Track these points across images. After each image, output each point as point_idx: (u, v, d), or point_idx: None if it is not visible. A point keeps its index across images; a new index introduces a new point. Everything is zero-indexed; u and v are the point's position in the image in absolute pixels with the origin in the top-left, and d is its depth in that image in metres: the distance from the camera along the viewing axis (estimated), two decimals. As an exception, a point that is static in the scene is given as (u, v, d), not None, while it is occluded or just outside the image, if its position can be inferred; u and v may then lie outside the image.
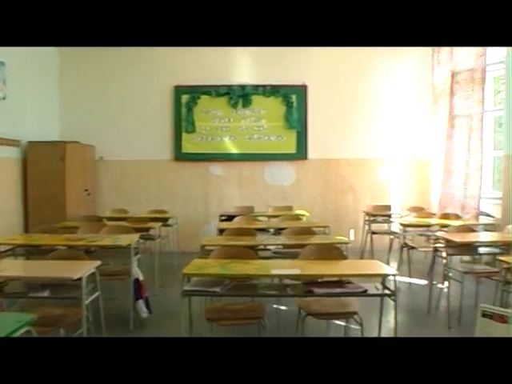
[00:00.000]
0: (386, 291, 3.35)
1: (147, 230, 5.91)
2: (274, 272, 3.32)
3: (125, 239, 4.55)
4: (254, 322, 3.41)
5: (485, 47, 6.95)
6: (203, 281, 3.45)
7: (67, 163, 7.08)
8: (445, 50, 7.87)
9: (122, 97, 8.25)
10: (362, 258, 7.04)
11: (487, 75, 7.09)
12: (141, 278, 4.54)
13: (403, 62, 8.32)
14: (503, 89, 6.94)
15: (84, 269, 3.36)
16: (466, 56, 7.38)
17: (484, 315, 1.71)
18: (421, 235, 6.38)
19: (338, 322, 4.34)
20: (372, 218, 7.27)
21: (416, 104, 8.41)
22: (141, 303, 4.51)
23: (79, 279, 3.20)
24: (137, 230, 5.26)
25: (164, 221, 6.69)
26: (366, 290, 3.30)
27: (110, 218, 6.59)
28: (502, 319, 1.67)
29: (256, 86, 8.24)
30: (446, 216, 6.55)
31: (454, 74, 7.68)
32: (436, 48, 8.10)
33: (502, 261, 3.94)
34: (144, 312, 4.52)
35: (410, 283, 6.10)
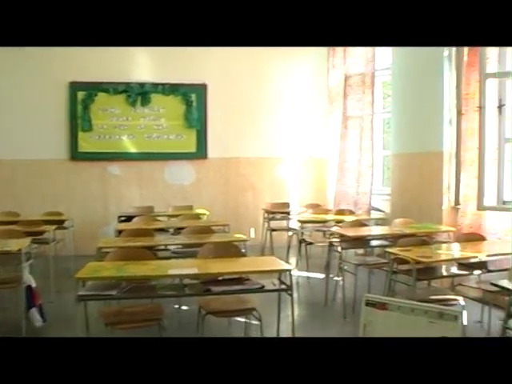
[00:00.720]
0: (283, 286, 3.46)
1: (41, 233, 5.62)
2: (171, 272, 3.30)
3: (14, 244, 4.28)
4: (153, 324, 3.36)
5: (373, 53, 7.40)
6: (100, 284, 3.35)
7: None
8: (339, 54, 8.25)
9: (10, 93, 7.72)
10: (262, 254, 7.18)
11: (376, 80, 7.56)
12: (33, 284, 4.31)
13: (301, 63, 8.59)
14: (391, 93, 7.40)
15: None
16: (357, 61, 7.81)
17: (367, 304, 1.82)
18: (318, 231, 6.63)
19: (238, 318, 4.39)
20: (271, 216, 7.41)
21: (312, 105, 8.73)
22: (34, 312, 4.28)
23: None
24: (29, 234, 4.98)
25: (59, 223, 6.38)
26: (263, 286, 3.38)
27: (-1, 222, 6.18)
28: (383, 306, 1.79)
29: (155, 85, 8.12)
30: (340, 212, 6.85)
31: (346, 78, 8.08)
32: (331, 52, 8.45)
33: (389, 252, 4.20)
34: (38, 321, 4.30)
35: (308, 277, 6.33)
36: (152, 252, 4.07)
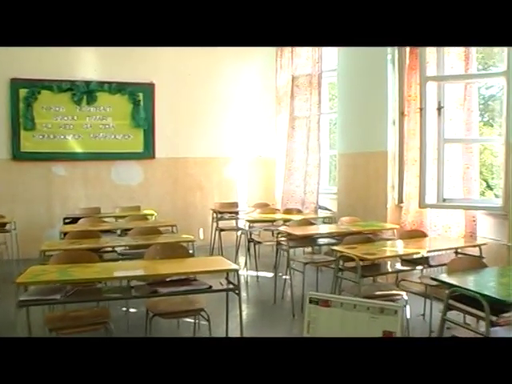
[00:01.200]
0: (231, 286, 3.48)
1: (-20, 237, 5.42)
2: (117, 274, 3.25)
3: (-49, 248, 4.11)
4: (99, 328, 3.30)
5: (320, 55, 7.53)
6: (43, 289, 3.26)
7: None
8: (286, 55, 8.34)
9: None
10: (211, 254, 7.16)
11: (323, 81, 7.69)
12: (-29, 291, 4.15)
13: (249, 64, 8.64)
14: (337, 94, 7.55)
15: None
16: (304, 62, 7.94)
17: (311, 301, 1.86)
18: (266, 230, 6.68)
19: (187, 319, 4.37)
20: (220, 216, 7.38)
21: (261, 105, 8.80)
22: (-29, 319, 4.12)
23: None
24: (-33, 238, 4.80)
25: (1, 226, 6.19)
26: (210, 286, 3.38)
27: None
28: (326, 303, 1.83)
29: (101, 83, 7.94)
30: (288, 211, 6.93)
31: (294, 78, 8.18)
32: (279, 52, 8.54)
33: (336, 250, 4.28)
34: (-25, 329, 4.13)
35: (257, 276, 6.37)
36: (98, 254, 3.99)
